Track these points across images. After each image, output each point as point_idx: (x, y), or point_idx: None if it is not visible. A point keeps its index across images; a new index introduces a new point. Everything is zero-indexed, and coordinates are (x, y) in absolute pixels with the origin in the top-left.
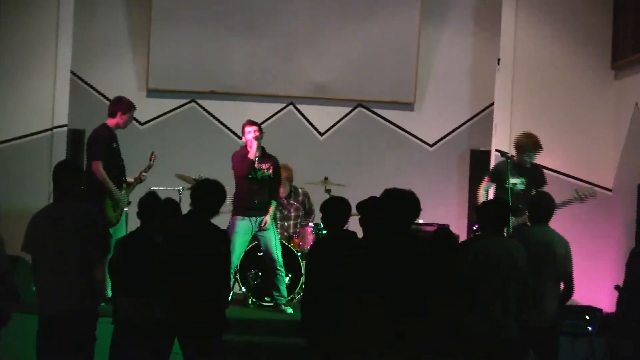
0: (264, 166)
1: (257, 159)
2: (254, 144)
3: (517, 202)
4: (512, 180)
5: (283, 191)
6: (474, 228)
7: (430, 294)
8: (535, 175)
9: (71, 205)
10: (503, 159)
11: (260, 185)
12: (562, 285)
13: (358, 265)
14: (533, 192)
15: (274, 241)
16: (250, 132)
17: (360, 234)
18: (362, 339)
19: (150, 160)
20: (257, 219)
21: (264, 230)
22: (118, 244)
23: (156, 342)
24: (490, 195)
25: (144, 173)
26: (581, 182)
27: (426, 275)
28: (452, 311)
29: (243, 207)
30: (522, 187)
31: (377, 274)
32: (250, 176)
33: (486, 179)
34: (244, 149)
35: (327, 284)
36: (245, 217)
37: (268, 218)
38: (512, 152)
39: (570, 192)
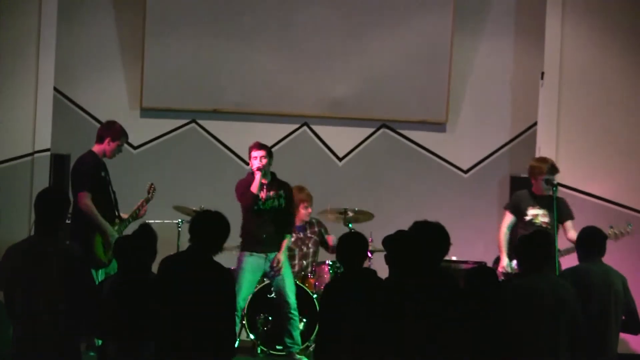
0: (272, 194)
1: (262, 186)
2: (258, 176)
3: None
4: (532, 211)
5: (305, 214)
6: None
7: (466, 343)
8: (559, 207)
9: (55, 243)
10: (523, 190)
11: (269, 217)
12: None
13: (379, 309)
14: (560, 228)
15: (288, 281)
16: (256, 159)
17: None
18: None
19: (149, 193)
20: (267, 256)
21: (278, 270)
22: (106, 283)
23: None
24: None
25: (144, 205)
26: (637, 214)
27: (460, 320)
28: None
29: (251, 242)
30: (545, 219)
31: (401, 320)
32: (256, 207)
33: (507, 213)
34: (251, 176)
35: (345, 329)
36: (254, 253)
37: (281, 256)
38: (558, 178)
39: (605, 228)
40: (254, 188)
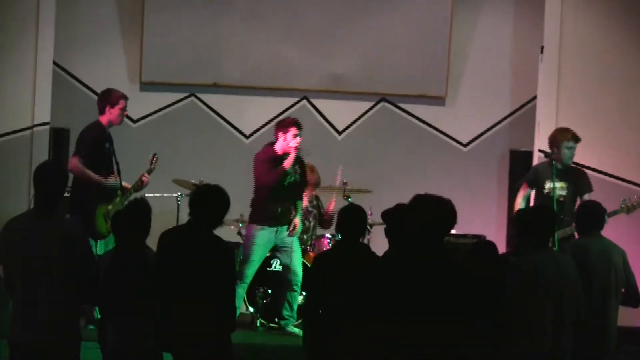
0: (291, 171)
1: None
2: (294, 153)
3: (558, 210)
4: (550, 184)
5: (309, 195)
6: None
7: (467, 321)
8: (579, 180)
9: (54, 217)
10: (545, 160)
11: (286, 192)
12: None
13: (374, 285)
14: (578, 201)
15: (298, 254)
16: (296, 137)
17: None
18: None
19: (151, 163)
20: (278, 229)
21: (293, 236)
22: (102, 260)
23: None
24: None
25: (145, 175)
26: (635, 187)
27: (461, 298)
28: (492, 340)
29: (264, 216)
30: (563, 192)
31: (398, 296)
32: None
33: (524, 185)
34: (270, 149)
35: (333, 300)
36: (265, 227)
37: (298, 221)
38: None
39: (618, 202)
40: (287, 164)
